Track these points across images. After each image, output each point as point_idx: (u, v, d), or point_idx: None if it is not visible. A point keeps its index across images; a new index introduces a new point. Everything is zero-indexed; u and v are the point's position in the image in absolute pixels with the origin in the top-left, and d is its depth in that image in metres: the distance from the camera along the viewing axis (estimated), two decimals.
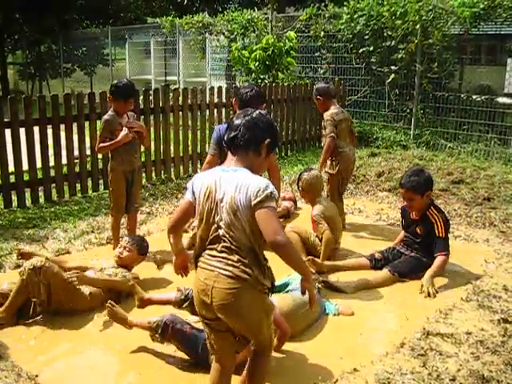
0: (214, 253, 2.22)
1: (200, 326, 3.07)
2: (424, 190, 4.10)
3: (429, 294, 3.80)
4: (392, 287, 3.99)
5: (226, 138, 2.31)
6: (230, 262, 2.18)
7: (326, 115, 4.96)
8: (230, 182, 2.18)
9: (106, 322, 3.38)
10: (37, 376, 2.84)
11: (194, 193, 2.30)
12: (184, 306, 3.08)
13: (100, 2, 18.87)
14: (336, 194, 5.06)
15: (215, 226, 2.21)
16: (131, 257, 3.87)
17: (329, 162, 5.05)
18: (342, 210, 5.20)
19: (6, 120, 5.56)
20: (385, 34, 9.10)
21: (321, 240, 4.28)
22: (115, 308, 3.11)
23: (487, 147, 8.27)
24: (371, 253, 4.37)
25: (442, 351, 3.07)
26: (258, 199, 2.12)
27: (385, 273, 4.08)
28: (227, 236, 2.18)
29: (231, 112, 7.94)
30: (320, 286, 3.84)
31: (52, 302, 3.33)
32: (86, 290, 3.47)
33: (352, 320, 3.51)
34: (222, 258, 2.19)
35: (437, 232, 4.06)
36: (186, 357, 2.99)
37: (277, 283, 2.55)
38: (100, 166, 6.39)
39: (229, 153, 2.31)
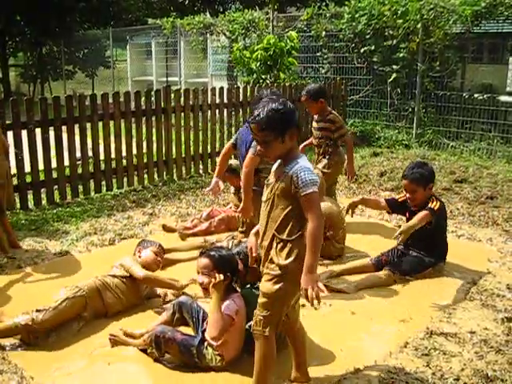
0: None
1: (191, 332, 3.09)
2: (427, 182, 4.12)
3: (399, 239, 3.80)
4: (395, 286, 3.98)
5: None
6: None
7: (335, 116, 5.02)
8: None
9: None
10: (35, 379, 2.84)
11: None
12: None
13: (101, 3, 18.90)
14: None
15: None
16: None
17: (325, 161, 5.06)
18: None
19: (7, 122, 5.56)
20: (386, 34, 9.10)
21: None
22: (116, 338, 3.18)
23: (490, 146, 8.26)
24: (377, 256, 4.30)
25: (445, 351, 3.06)
26: None
27: (385, 272, 4.06)
28: None
29: (233, 113, 7.94)
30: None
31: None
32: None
33: (355, 320, 3.50)
34: None
35: (430, 204, 4.02)
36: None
37: None
38: (102, 167, 6.39)
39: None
